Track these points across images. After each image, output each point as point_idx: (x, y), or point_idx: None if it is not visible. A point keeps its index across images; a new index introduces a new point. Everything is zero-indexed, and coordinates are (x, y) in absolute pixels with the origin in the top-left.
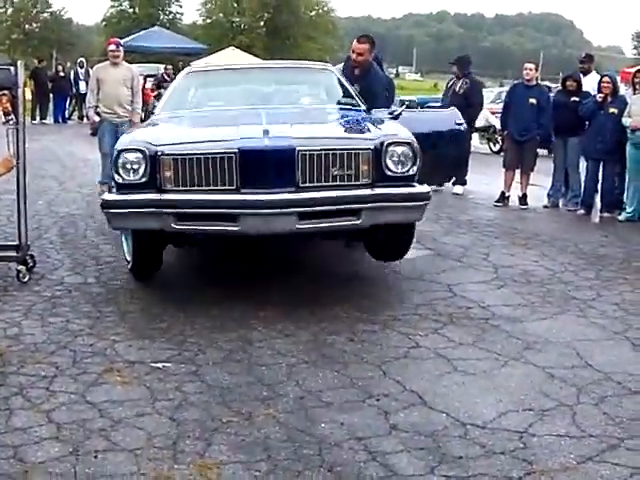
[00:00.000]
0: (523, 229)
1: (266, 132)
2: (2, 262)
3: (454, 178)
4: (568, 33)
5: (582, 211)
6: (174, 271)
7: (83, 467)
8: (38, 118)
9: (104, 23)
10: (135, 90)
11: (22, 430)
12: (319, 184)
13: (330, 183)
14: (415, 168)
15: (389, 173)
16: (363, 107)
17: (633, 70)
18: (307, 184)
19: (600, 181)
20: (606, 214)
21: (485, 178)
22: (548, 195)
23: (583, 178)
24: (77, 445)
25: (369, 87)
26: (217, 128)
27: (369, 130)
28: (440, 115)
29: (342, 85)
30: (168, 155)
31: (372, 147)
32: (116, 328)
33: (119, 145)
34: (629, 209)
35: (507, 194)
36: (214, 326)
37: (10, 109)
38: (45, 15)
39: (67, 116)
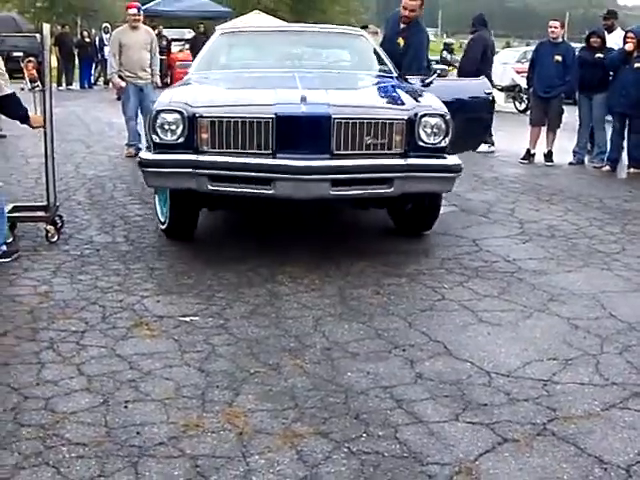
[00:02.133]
0: (548, 185)
1: (303, 98)
2: (31, 222)
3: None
4: None
5: (608, 167)
6: (201, 229)
7: (113, 416)
8: (64, 84)
9: None
10: (154, 52)
11: (53, 382)
12: (353, 152)
13: (364, 151)
14: (447, 140)
15: (421, 144)
16: (396, 74)
17: None
18: (341, 151)
19: (626, 137)
20: (632, 170)
21: (511, 136)
22: (574, 152)
23: (609, 134)
24: (107, 396)
25: (413, 41)
26: (254, 91)
27: (403, 100)
28: (470, 84)
29: (376, 52)
30: (206, 117)
31: (406, 117)
32: (144, 284)
33: (158, 105)
34: None
35: (532, 151)
36: (241, 282)
37: (36, 75)
38: None
39: (93, 81)
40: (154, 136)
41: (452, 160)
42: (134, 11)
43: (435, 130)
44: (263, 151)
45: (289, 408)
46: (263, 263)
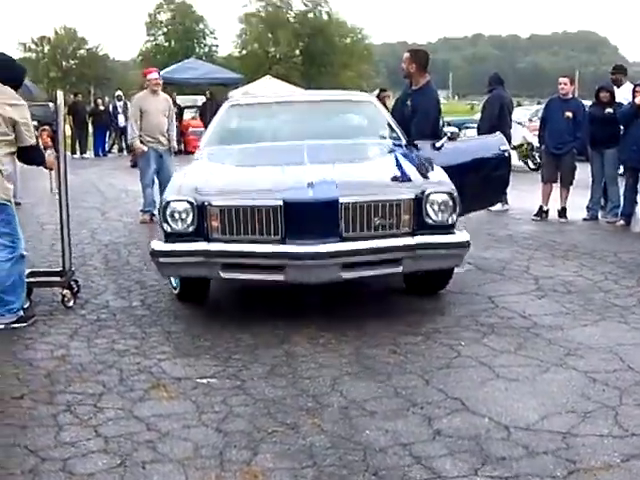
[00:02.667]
0: (562, 241)
1: (310, 184)
2: (47, 287)
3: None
4: (603, 50)
5: (622, 222)
6: (216, 291)
7: (131, 477)
8: (78, 152)
9: (140, 57)
10: (171, 119)
11: (70, 444)
12: (362, 233)
13: (372, 232)
14: (455, 216)
15: (429, 221)
16: (404, 140)
17: None
18: (350, 234)
19: (639, 191)
20: None
21: (523, 194)
22: (587, 208)
23: (622, 189)
24: (125, 457)
25: (421, 104)
26: (262, 170)
27: (410, 176)
28: (484, 142)
29: (383, 117)
30: (215, 206)
31: (413, 196)
32: (161, 347)
33: (167, 195)
34: None
35: (545, 208)
36: (258, 343)
37: (50, 143)
38: (82, 52)
39: (107, 149)
40: (165, 225)
41: (461, 236)
42: (155, 75)
43: (442, 207)
44: (273, 237)
45: (308, 467)
46: (279, 324)
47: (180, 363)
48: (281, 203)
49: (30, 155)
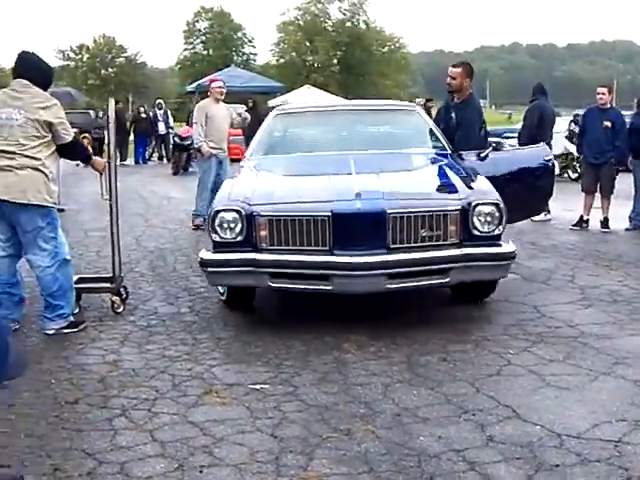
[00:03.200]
0: (606, 251)
1: (358, 194)
2: (97, 293)
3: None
4: None
5: None
6: (264, 298)
7: None
8: (118, 160)
9: (178, 66)
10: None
11: (127, 448)
12: (408, 245)
13: (419, 243)
14: (501, 227)
15: (476, 233)
16: (449, 150)
17: None
18: (397, 245)
19: None
20: None
21: (565, 204)
22: (630, 218)
23: None
24: (182, 461)
25: (464, 116)
26: (309, 180)
27: (457, 187)
28: (528, 152)
29: (428, 126)
30: (263, 216)
31: (460, 207)
32: (212, 354)
33: (216, 204)
34: None
35: (586, 217)
36: (308, 350)
37: (91, 151)
38: (120, 60)
39: (147, 157)
40: (214, 235)
41: (507, 248)
42: (220, 84)
43: (489, 218)
44: (320, 247)
45: (364, 472)
46: (328, 332)
47: (232, 369)
48: (329, 214)
49: (71, 150)
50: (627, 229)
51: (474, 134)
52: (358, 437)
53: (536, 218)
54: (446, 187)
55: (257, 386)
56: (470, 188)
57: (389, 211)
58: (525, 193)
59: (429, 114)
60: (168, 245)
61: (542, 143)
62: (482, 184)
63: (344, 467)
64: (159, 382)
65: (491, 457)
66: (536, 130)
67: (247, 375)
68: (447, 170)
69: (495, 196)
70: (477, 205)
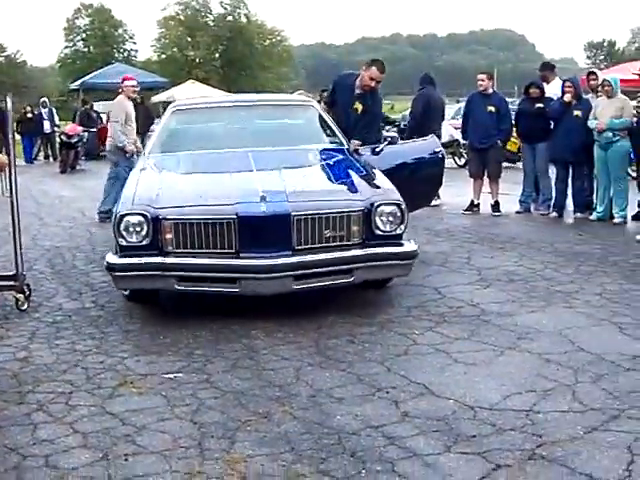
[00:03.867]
0: (499, 234)
1: (263, 198)
2: (1, 291)
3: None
4: (520, 48)
5: (554, 214)
6: (169, 291)
7: (115, 470)
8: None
9: (59, 64)
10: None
11: (49, 441)
12: (313, 246)
13: (323, 244)
14: (403, 227)
15: (378, 232)
16: (346, 145)
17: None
18: (302, 246)
19: (570, 183)
20: (578, 215)
21: (455, 190)
22: (520, 201)
23: (553, 182)
24: (106, 451)
25: (373, 109)
26: (212, 181)
27: (358, 186)
28: (420, 145)
29: (326, 122)
30: (169, 219)
31: (363, 208)
32: (122, 346)
33: (121, 208)
34: (600, 209)
35: (476, 202)
36: (218, 338)
37: None
38: (0, 59)
39: (33, 156)
40: (120, 239)
41: (409, 247)
42: (134, 82)
43: (391, 219)
44: (227, 250)
45: (286, 452)
46: (235, 320)
47: (143, 360)
48: (234, 217)
49: None
50: (518, 212)
51: (379, 123)
52: (276, 419)
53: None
54: (348, 187)
55: (171, 375)
56: (371, 187)
57: (293, 213)
58: (418, 185)
59: (326, 104)
60: (64, 243)
61: (431, 135)
62: (383, 183)
63: (266, 448)
64: (73, 376)
65: (409, 431)
66: (423, 119)
67: (159, 365)
68: (347, 168)
69: (397, 196)
70: (379, 205)
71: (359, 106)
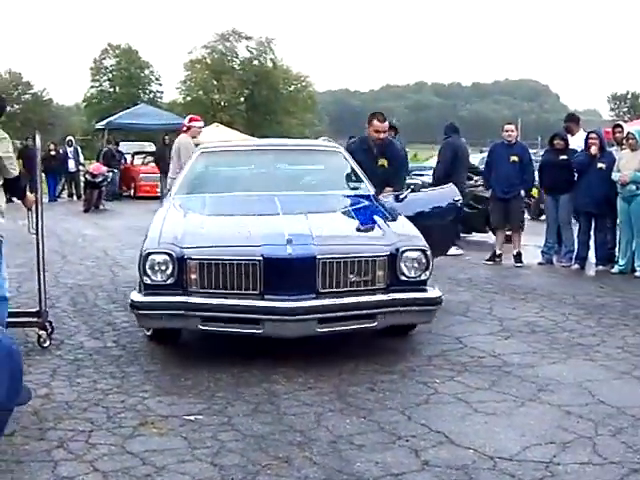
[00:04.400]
0: (521, 285)
1: (289, 240)
2: (25, 327)
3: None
4: (545, 98)
5: (576, 266)
6: (190, 332)
7: None
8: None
9: (85, 103)
10: None
11: (69, 479)
12: (337, 289)
13: (348, 288)
14: (428, 273)
15: (403, 278)
16: (372, 191)
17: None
18: (326, 289)
19: (592, 236)
20: (600, 267)
21: (478, 240)
22: (542, 252)
23: (575, 234)
24: None
25: (396, 158)
26: (238, 223)
27: (384, 231)
28: (440, 193)
29: (351, 167)
30: (194, 259)
31: (388, 253)
32: (143, 386)
33: (147, 246)
34: (622, 262)
35: (499, 252)
36: (238, 382)
37: None
38: (26, 96)
39: (56, 194)
40: (145, 277)
41: (433, 293)
42: (201, 124)
43: (416, 264)
44: (251, 291)
45: None
46: (256, 364)
47: (164, 401)
48: (260, 258)
49: (15, 185)
50: (540, 263)
51: (405, 172)
52: (297, 464)
53: (449, 252)
54: (373, 232)
55: (192, 417)
56: (397, 233)
57: (319, 256)
58: (437, 232)
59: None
60: (87, 282)
61: (450, 184)
62: (408, 229)
63: None
64: (93, 414)
65: None
66: (451, 167)
67: (180, 406)
68: (372, 213)
69: (422, 242)
70: (405, 251)
71: (384, 161)
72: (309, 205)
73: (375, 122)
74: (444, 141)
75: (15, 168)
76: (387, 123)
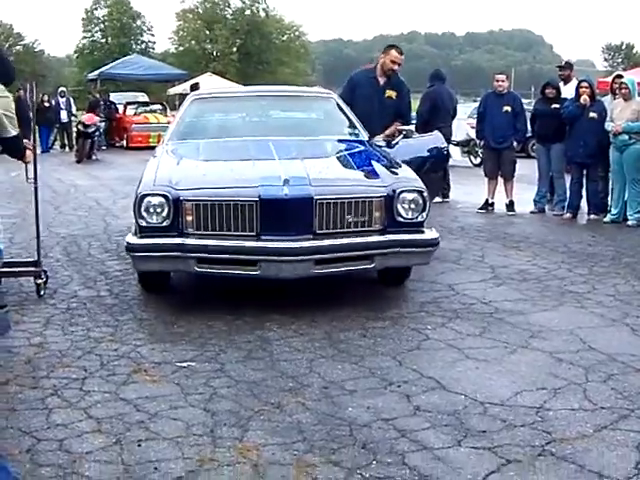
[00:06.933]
0: (513, 233)
1: (286, 181)
2: (22, 277)
3: None
4: (538, 49)
5: (569, 215)
6: (183, 279)
7: (129, 455)
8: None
9: (76, 54)
10: None
11: (63, 425)
12: (334, 230)
13: (345, 229)
14: (424, 214)
15: (400, 219)
16: (366, 137)
17: (609, 79)
18: (323, 230)
19: (585, 185)
20: (592, 216)
21: (470, 189)
22: (534, 201)
23: (568, 183)
24: (119, 436)
25: (403, 89)
26: (233, 165)
27: (380, 173)
28: (426, 140)
29: (345, 114)
30: (190, 200)
31: (385, 194)
32: (136, 334)
33: (142, 189)
34: (614, 211)
35: (491, 201)
36: (231, 329)
37: None
38: (18, 48)
39: (49, 145)
40: (140, 220)
41: (430, 234)
42: None
43: (413, 206)
44: (248, 232)
45: (298, 441)
46: (248, 311)
47: (157, 348)
48: (257, 199)
49: (13, 145)
50: (532, 212)
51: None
52: (289, 409)
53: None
54: (370, 174)
55: (184, 364)
56: (393, 175)
57: (316, 197)
58: (424, 179)
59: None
60: (80, 231)
61: (436, 131)
62: (405, 171)
63: (278, 437)
64: (87, 362)
65: (420, 425)
66: (429, 117)
67: (173, 354)
68: (368, 157)
69: (419, 183)
70: (401, 192)
71: (392, 93)
72: (304, 150)
73: (393, 52)
74: (426, 90)
75: (15, 127)
76: (404, 57)
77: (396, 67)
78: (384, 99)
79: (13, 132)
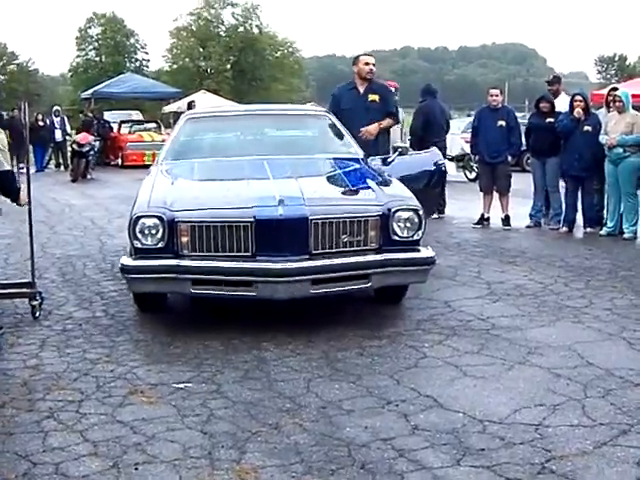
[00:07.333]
0: (509, 248)
1: (281, 201)
2: (17, 298)
3: None
4: (532, 62)
5: (565, 228)
6: (179, 300)
7: (126, 478)
8: (15, 168)
9: (70, 73)
10: None
11: (60, 449)
12: (330, 250)
13: (340, 249)
14: (420, 233)
15: (395, 238)
16: (360, 155)
17: (603, 91)
18: (319, 250)
19: (580, 198)
20: (588, 230)
21: (465, 204)
22: (530, 215)
23: (563, 197)
24: (116, 459)
25: (384, 92)
26: (228, 185)
27: (375, 192)
28: (424, 157)
29: (339, 132)
30: (185, 222)
31: (380, 213)
32: (132, 355)
33: (137, 210)
34: (610, 224)
35: (486, 215)
36: (227, 349)
37: None
38: (11, 67)
39: (43, 164)
40: (135, 241)
41: (426, 253)
42: None
43: (408, 224)
44: (243, 253)
45: (296, 462)
46: (245, 331)
47: (153, 369)
48: (252, 220)
49: (6, 180)
50: (528, 226)
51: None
52: (287, 430)
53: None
54: (365, 193)
55: (181, 385)
56: (388, 193)
57: (311, 217)
58: (421, 195)
59: None
60: (75, 252)
61: (433, 147)
62: (400, 189)
63: (276, 459)
64: (83, 384)
65: (418, 444)
66: (423, 133)
67: (169, 375)
68: (363, 175)
69: (414, 202)
70: (397, 211)
71: (375, 96)
72: (299, 169)
73: (362, 57)
74: (418, 105)
75: (8, 162)
76: (373, 58)
77: (371, 67)
78: (369, 104)
79: (6, 166)
